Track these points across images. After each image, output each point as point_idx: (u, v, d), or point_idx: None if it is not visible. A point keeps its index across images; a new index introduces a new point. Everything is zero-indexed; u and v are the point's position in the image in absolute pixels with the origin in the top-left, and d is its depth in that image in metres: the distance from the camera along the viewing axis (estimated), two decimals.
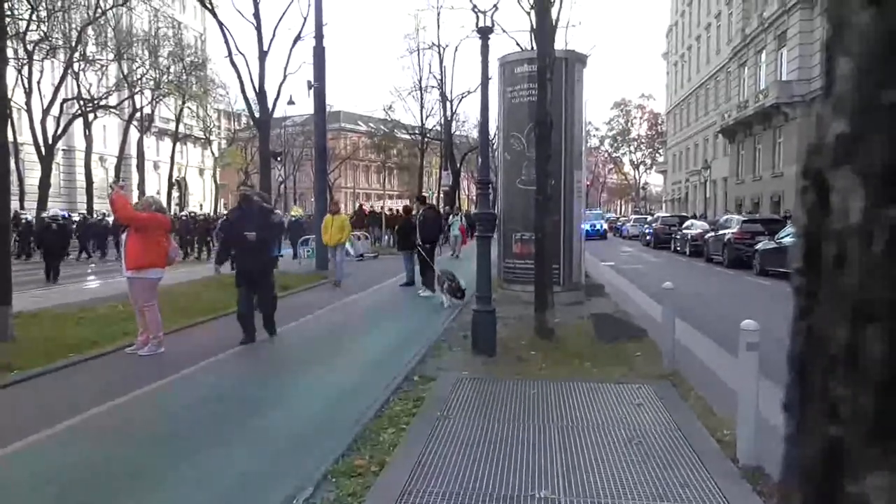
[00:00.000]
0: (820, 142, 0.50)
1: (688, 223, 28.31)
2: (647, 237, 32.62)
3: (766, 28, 33.48)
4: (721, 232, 21.19)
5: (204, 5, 17.49)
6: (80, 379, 6.86)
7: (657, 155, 73.70)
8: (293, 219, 24.86)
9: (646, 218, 41.56)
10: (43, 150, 29.56)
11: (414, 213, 14.95)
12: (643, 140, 76.48)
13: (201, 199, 54.52)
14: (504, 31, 16.63)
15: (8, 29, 26.10)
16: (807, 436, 0.51)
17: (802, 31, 29.45)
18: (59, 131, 30.85)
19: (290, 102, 30.17)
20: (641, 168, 78.44)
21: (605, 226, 43.63)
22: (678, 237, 27.05)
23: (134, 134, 40.28)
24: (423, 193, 22.52)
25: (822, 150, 0.50)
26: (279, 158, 34.53)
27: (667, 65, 62.23)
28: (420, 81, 41.49)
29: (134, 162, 42.75)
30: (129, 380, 6.65)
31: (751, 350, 4.37)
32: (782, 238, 16.29)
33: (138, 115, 38.69)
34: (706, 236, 22.64)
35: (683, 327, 8.49)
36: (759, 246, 17.59)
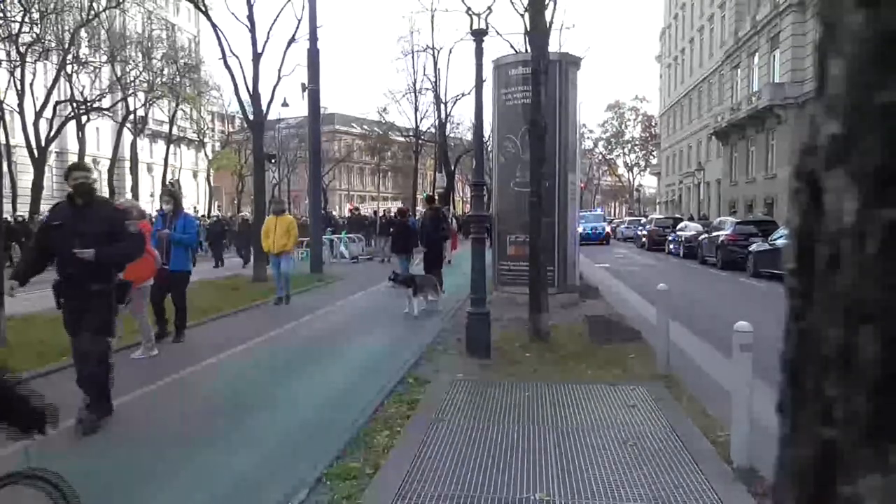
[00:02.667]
0: (813, 143, 0.50)
1: (682, 225, 28.38)
2: (642, 239, 32.67)
3: (759, 31, 33.64)
4: (715, 234, 21.26)
5: (198, 7, 17.44)
6: (73, 383, 6.81)
7: (651, 157, 73.87)
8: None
9: (640, 220, 41.54)
10: (35, 152, 29.41)
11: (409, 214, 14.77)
12: (637, 142, 76.66)
13: (195, 202, 54.35)
14: (498, 33, 16.65)
15: (0, 31, 26.07)
16: (800, 437, 0.51)
17: (795, 34, 29.60)
18: (52, 133, 30.68)
19: (284, 104, 30.13)
20: (635, 170, 78.60)
21: (608, 228, 37.69)
22: (672, 239, 27.12)
23: (127, 136, 40.10)
24: (429, 193, 22.27)
25: (814, 152, 0.50)
26: (273, 161, 34.45)
27: (660, 67, 62.40)
28: (414, 84, 41.58)
29: (127, 164, 42.57)
30: (122, 383, 6.61)
31: (744, 351, 4.38)
32: (775, 240, 16.35)
33: (132, 117, 38.53)
34: (700, 238, 22.71)
35: (677, 329, 8.50)
36: (752, 247, 17.65)
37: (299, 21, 17.07)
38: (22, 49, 27.81)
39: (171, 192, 9.58)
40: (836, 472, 0.47)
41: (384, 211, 27.98)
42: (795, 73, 29.48)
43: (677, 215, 39.25)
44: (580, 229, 29.63)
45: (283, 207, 13.54)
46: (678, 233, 26.73)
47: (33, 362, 7.28)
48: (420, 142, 44.52)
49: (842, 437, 0.47)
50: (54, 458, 4.69)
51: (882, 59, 0.45)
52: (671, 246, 26.93)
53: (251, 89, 16.22)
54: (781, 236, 16.02)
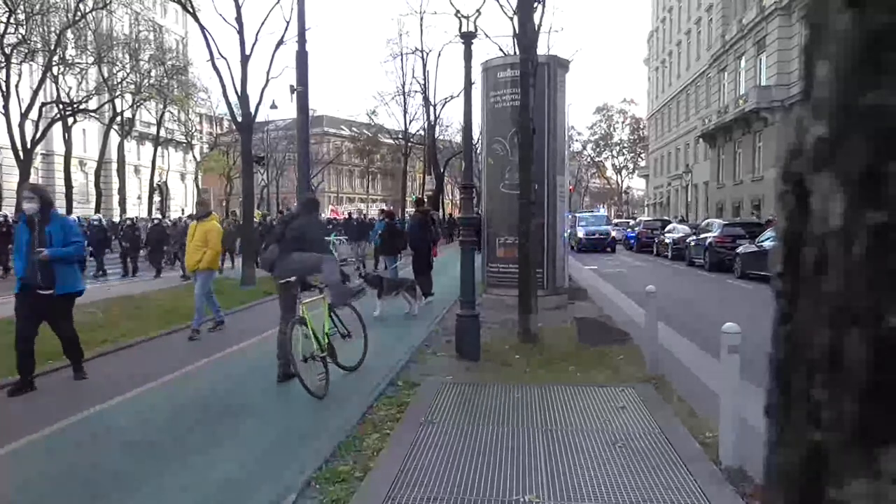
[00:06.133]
0: (799, 145, 0.50)
1: (670, 227, 28.53)
2: (630, 241, 32.78)
3: (746, 34, 33.89)
4: (702, 236, 21.39)
5: (185, 9, 17.34)
6: (56, 387, 6.75)
7: (639, 159, 74.20)
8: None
9: (628, 222, 41.68)
10: (21, 154, 29.15)
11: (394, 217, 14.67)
12: (625, 144, 76.96)
13: (183, 204, 54.05)
14: (487, 36, 16.64)
15: None
16: (788, 440, 0.51)
17: (781, 38, 29.86)
18: (38, 135, 30.43)
19: (273, 107, 30.06)
20: (624, 172, 78.94)
21: (613, 233, 32.04)
22: (660, 241, 27.24)
23: (114, 138, 39.83)
24: (419, 196, 22.03)
25: (801, 154, 0.50)
26: (262, 163, 34.31)
27: (648, 70, 62.73)
28: (403, 86, 41.48)
29: (114, 166, 42.28)
30: (108, 387, 6.56)
31: (732, 353, 4.40)
32: (762, 242, 16.47)
33: (119, 119, 38.27)
34: (688, 240, 22.83)
35: (666, 330, 8.54)
36: (739, 249, 17.77)
37: (288, 23, 16.99)
38: (7, 50, 27.55)
39: (35, 187, 7.15)
40: (824, 475, 0.47)
41: (348, 212, 27.38)
42: (781, 77, 29.73)
43: (665, 217, 39.47)
44: (579, 233, 29.44)
45: (208, 210, 10.12)
46: (666, 235, 26.86)
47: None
48: (409, 144, 44.48)
49: (829, 441, 0.47)
50: (43, 461, 4.65)
51: (869, 61, 0.45)
52: (659, 248, 27.07)
53: (239, 91, 16.15)
54: (768, 238, 16.14)
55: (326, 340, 6.66)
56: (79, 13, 30.36)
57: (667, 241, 26.45)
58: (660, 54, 56.89)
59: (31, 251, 6.36)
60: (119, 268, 19.63)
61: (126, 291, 14.15)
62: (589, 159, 78.96)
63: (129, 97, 38.02)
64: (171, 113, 43.14)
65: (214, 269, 9.84)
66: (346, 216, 28.29)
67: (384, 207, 22.28)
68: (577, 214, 33.96)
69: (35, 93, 29.84)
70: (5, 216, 22.20)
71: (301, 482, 4.16)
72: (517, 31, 9.20)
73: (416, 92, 41.44)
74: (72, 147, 35.06)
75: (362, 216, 24.93)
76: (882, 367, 0.44)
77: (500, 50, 15.65)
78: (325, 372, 6.33)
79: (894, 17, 0.44)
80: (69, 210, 32.58)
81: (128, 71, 36.21)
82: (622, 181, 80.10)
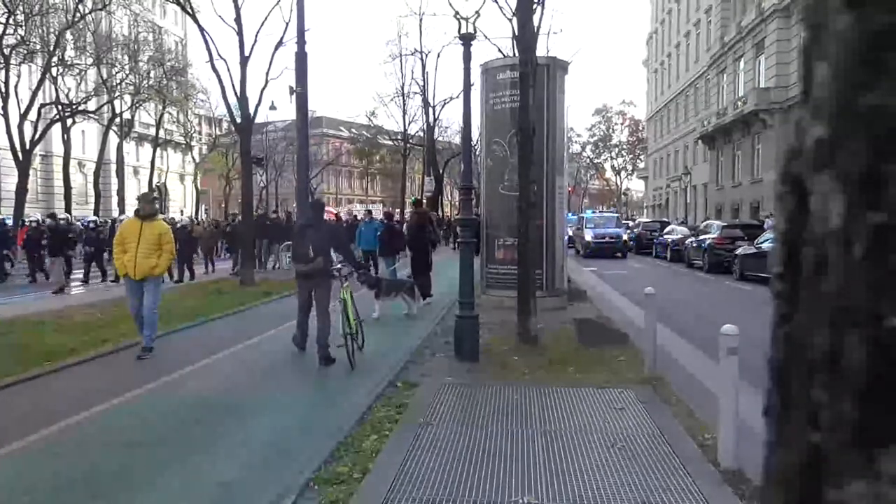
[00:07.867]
0: (799, 147, 0.50)
1: (668, 228, 28.51)
2: (629, 243, 32.74)
3: (745, 36, 33.94)
4: (701, 237, 21.39)
5: (185, 10, 17.36)
6: (58, 387, 6.75)
7: (638, 161, 74.24)
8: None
9: (627, 223, 41.62)
10: (20, 155, 29.13)
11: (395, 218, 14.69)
12: (624, 146, 76.98)
13: (182, 205, 54.04)
14: (486, 37, 16.44)
15: None
16: (787, 442, 0.51)
17: (780, 39, 29.90)
18: (37, 136, 30.41)
19: (272, 108, 30.05)
20: (623, 174, 78.96)
21: (625, 236, 28.76)
22: (659, 243, 27.24)
23: (113, 139, 39.79)
24: (417, 197, 21.94)
25: (800, 155, 0.50)
26: (261, 164, 34.31)
27: (647, 72, 62.77)
28: (402, 87, 41.55)
29: (113, 167, 42.23)
30: (109, 387, 6.55)
31: (731, 354, 4.40)
32: (761, 243, 16.47)
33: (118, 120, 38.24)
34: (687, 241, 22.84)
35: (665, 332, 8.54)
36: (738, 251, 17.77)
37: (287, 24, 16.99)
38: (6, 51, 27.54)
39: None
40: (822, 477, 0.47)
41: (336, 213, 26.55)
42: (780, 79, 29.78)
43: (664, 219, 39.49)
44: (587, 236, 29.03)
45: (154, 209, 8.89)
46: (665, 236, 26.86)
47: (16, 367, 7.19)
48: (408, 145, 44.49)
49: (828, 442, 0.46)
50: (42, 462, 4.64)
51: (869, 61, 0.45)
52: (658, 250, 27.07)
53: (239, 92, 16.16)
54: (767, 240, 16.15)
55: (355, 321, 7.89)
56: (78, 14, 30.35)
57: (666, 242, 26.35)
58: (659, 56, 56.95)
59: None
60: (93, 272, 17.27)
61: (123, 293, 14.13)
62: (588, 161, 78.95)
63: (128, 98, 37.99)
64: (171, 114, 43.13)
65: (161, 276, 8.63)
66: (335, 216, 27.99)
67: (370, 209, 21.85)
68: (585, 215, 33.57)
69: (34, 94, 29.82)
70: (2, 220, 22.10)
71: (300, 483, 4.16)
72: (516, 32, 9.21)
73: (415, 93, 41.52)
74: (71, 148, 35.04)
75: (352, 217, 24.44)
76: (882, 369, 0.44)
77: (500, 52, 15.61)
78: (346, 346, 7.46)
79: (894, 17, 0.44)
80: (68, 211, 32.60)
81: (127, 72, 36.18)
82: (621, 183, 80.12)
